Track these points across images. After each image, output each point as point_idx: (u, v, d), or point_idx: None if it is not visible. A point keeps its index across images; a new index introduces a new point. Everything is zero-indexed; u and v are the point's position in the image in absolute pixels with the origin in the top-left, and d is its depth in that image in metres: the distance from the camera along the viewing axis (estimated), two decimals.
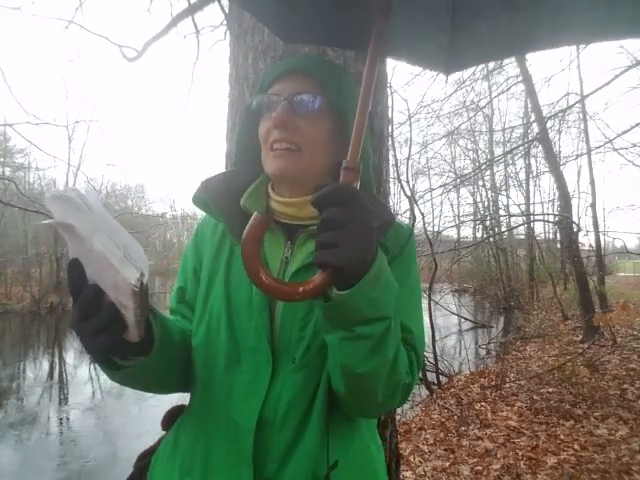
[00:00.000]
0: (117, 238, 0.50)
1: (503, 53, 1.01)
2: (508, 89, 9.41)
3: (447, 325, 9.81)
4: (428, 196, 10.22)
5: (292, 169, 0.70)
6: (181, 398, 0.83)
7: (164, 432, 0.82)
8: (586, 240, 9.07)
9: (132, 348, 0.57)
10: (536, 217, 12.14)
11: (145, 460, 0.80)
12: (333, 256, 0.50)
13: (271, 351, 0.67)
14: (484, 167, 11.96)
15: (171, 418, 0.80)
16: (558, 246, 14.46)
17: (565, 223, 7.71)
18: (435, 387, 5.06)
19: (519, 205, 14.63)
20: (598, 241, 8.70)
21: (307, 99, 0.71)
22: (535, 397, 4.31)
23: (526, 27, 0.77)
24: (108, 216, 0.51)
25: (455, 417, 4.01)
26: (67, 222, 0.48)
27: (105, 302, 0.52)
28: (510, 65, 8.23)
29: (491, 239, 12.17)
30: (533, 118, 8.38)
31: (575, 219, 8.80)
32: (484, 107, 11.12)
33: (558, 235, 14.21)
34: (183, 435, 0.74)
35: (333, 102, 0.72)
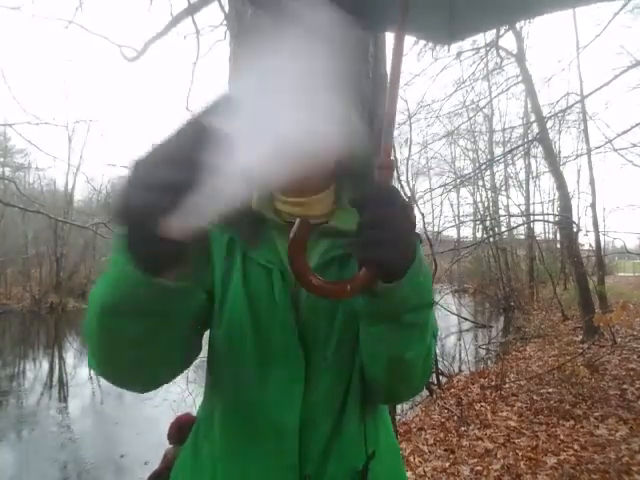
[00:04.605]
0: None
1: (507, 17, 0.93)
2: (508, 89, 9.46)
3: (447, 325, 9.80)
4: (428, 196, 10.18)
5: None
6: (184, 407, 0.79)
7: (170, 446, 0.77)
8: (586, 240, 9.03)
9: (171, 258, 0.46)
10: (536, 217, 12.13)
11: None
12: (381, 254, 0.51)
13: (302, 350, 0.66)
14: (484, 167, 11.94)
15: (180, 431, 0.75)
16: (558, 246, 14.46)
17: (565, 223, 7.70)
18: (435, 387, 5.06)
19: (519, 205, 14.62)
20: (598, 241, 8.69)
21: None
22: (535, 397, 4.31)
23: None
24: None
25: (455, 417, 4.01)
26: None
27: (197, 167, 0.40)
28: (510, 65, 8.27)
29: (491, 239, 12.15)
30: (533, 118, 8.37)
31: (575, 219, 8.80)
32: (484, 107, 11.13)
33: (558, 235, 14.21)
34: (206, 445, 0.69)
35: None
